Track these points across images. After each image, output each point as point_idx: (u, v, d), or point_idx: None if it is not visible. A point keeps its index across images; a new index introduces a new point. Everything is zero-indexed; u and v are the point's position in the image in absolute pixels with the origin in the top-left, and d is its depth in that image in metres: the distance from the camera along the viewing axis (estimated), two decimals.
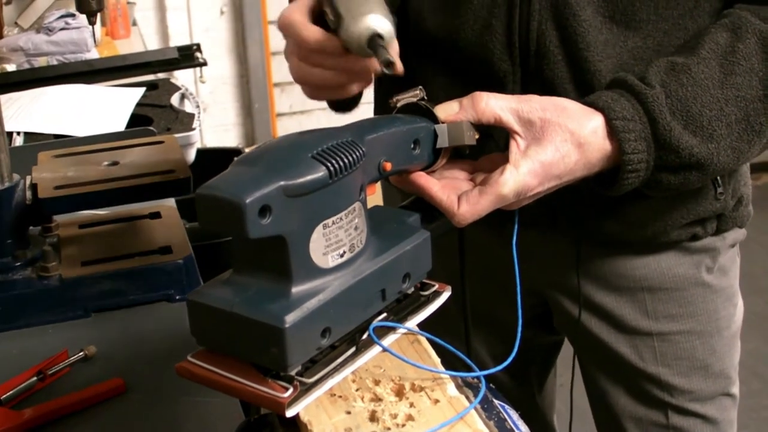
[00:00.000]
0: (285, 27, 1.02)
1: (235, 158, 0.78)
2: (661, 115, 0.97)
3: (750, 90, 1.00)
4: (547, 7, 1.08)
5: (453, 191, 0.94)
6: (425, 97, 0.95)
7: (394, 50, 0.96)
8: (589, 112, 0.97)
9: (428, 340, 0.86)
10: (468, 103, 0.95)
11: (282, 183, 0.71)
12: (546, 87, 1.10)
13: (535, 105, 0.95)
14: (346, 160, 0.75)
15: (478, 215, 0.93)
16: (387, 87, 0.98)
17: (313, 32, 0.99)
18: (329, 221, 0.75)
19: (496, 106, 0.94)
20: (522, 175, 0.92)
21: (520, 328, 0.93)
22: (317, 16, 1.01)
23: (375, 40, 0.93)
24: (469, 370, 0.85)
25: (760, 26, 1.01)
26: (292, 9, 1.03)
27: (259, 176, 0.71)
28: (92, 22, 1.26)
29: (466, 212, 0.92)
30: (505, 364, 0.88)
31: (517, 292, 0.97)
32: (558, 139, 0.94)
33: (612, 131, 0.96)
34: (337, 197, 0.75)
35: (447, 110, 0.95)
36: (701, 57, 1.00)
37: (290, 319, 0.70)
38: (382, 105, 0.97)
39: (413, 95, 0.95)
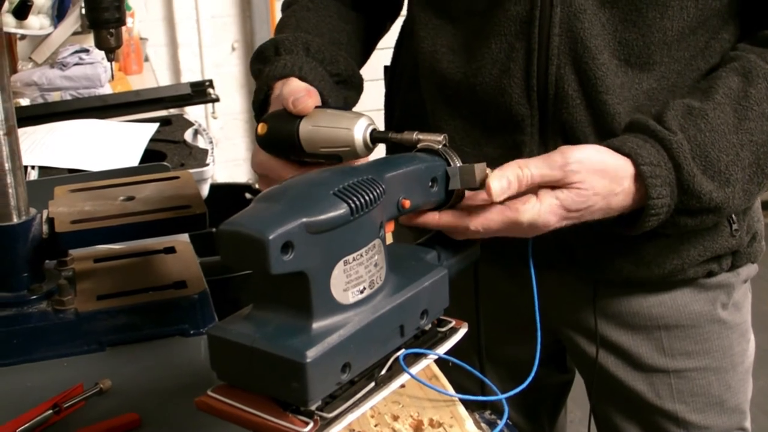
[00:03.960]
0: (264, 169, 1.04)
1: (251, 195, 0.78)
2: (686, 161, 0.99)
3: (761, 135, 1.02)
4: (566, 51, 1.09)
5: (458, 211, 0.95)
6: (447, 144, 0.95)
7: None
8: (621, 161, 0.98)
9: (443, 372, 0.87)
10: (513, 178, 0.94)
11: (304, 220, 0.71)
12: (565, 130, 1.11)
13: (574, 163, 0.95)
14: (367, 198, 0.76)
15: (489, 229, 0.93)
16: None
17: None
18: (350, 258, 0.76)
19: (538, 175, 0.95)
20: (544, 209, 0.93)
21: (539, 348, 0.93)
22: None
23: (375, 133, 0.96)
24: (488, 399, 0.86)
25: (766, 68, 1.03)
26: (263, 155, 1.04)
27: (281, 213, 0.72)
28: (111, 59, 1.26)
29: (478, 223, 0.93)
30: (528, 381, 0.89)
31: (535, 311, 0.97)
32: (590, 193, 0.95)
33: (638, 176, 0.98)
34: (358, 234, 0.76)
35: (497, 187, 0.93)
36: (717, 102, 1.02)
37: (311, 354, 0.70)
38: (396, 146, 0.98)
39: (436, 141, 0.95)
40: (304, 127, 0.97)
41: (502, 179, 0.93)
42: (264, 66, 1.13)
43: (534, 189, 0.95)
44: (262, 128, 1.02)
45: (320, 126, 0.96)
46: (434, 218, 0.94)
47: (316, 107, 0.99)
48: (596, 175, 0.95)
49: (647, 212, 0.99)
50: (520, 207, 0.93)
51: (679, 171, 0.99)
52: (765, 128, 1.02)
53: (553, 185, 0.95)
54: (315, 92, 1.02)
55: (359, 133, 0.94)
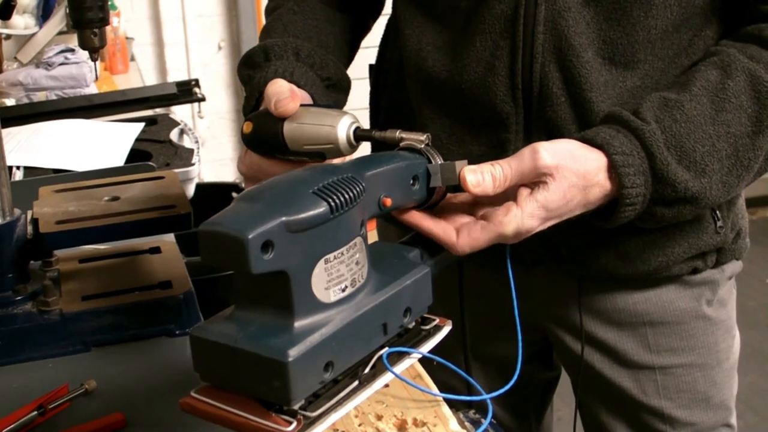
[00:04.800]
0: (252, 170, 1.04)
1: (235, 193, 0.78)
2: (658, 150, 0.99)
3: (739, 126, 1.02)
4: (550, 49, 1.09)
5: (449, 225, 0.95)
6: (429, 144, 0.95)
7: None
8: (593, 153, 0.98)
9: (428, 370, 0.87)
10: (487, 177, 0.94)
11: (284, 219, 0.72)
12: (549, 128, 1.11)
13: (547, 157, 0.95)
14: (346, 196, 0.76)
15: (476, 248, 0.94)
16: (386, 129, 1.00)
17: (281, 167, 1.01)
18: (331, 256, 0.76)
19: (513, 175, 0.95)
20: (526, 216, 0.94)
21: (520, 346, 0.94)
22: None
23: (359, 131, 0.96)
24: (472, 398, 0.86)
25: (748, 64, 1.03)
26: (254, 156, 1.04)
27: (261, 212, 0.72)
28: (94, 59, 1.26)
29: (465, 245, 0.93)
30: (511, 382, 0.89)
31: (515, 315, 0.98)
32: (566, 185, 0.95)
33: (611, 166, 0.98)
34: (338, 232, 0.76)
35: (471, 181, 0.94)
36: (693, 94, 1.02)
37: (293, 353, 0.70)
38: (379, 143, 0.98)
39: (418, 141, 0.95)
40: (289, 125, 0.97)
41: (476, 172, 0.93)
42: (254, 72, 1.12)
43: (513, 194, 0.96)
44: (247, 127, 1.02)
45: (304, 123, 0.96)
46: (426, 225, 0.95)
47: (301, 105, 0.99)
48: (569, 167, 0.96)
49: (622, 202, 0.99)
50: (503, 219, 0.94)
51: (652, 160, 0.99)
52: (743, 120, 1.02)
53: (529, 183, 0.95)
54: (299, 94, 1.02)
55: (343, 130, 0.95)
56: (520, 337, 0.97)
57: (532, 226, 0.95)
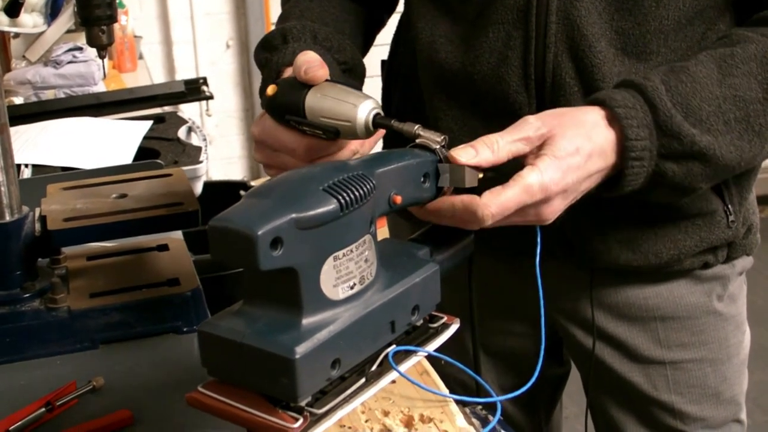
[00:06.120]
0: (263, 134, 1.02)
1: (243, 191, 0.78)
2: (661, 102, 0.97)
3: (749, 92, 1.00)
4: (563, 39, 1.09)
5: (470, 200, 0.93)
6: (445, 146, 0.93)
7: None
8: (588, 108, 0.97)
9: (436, 370, 0.87)
10: (481, 147, 0.92)
11: (293, 215, 0.71)
12: None
13: (536, 123, 0.93)
14: (356, 193, 0.76)
15: (502, 208, 0.89)
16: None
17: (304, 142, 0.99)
18: (340, 253, 0.75)
19: (506, 142, 0.93)
20: (544, 167, 0.90)
21: (543, 345, 0.93)
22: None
23: (378, 118, 0.95)
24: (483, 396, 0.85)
25: (758, 37, 1.03)
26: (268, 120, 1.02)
27: (270, 208, 0.71)
28: (102, 56, 1.27)
29: (489, 201, 0.88)
30: (527, 387, 0.88)
31: (540, 306, 0.97)
32: (569, 134, 0.93)
33: (614, 119, 0.96)
34: (348, 230, 0.76)
35: (465, 155, 0.92)
36: (699, 59, 1.02)
37: (301, 350, 0.70)
38: (392, 139, 0.97)
39: (434, 141, 0.93)
40: (312, 94, 0.97)
41: (467, 147, 0.91)
42: (272, 54, 1.13)
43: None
44: (272, 89, 1.01)
45: (328, 96, 0.96)
46: (446, 200, 0.91)
47: (329, 80, 0.98)
48: (563, 118, 0.94)
49: (627, 156, 0.96)
50: (521, 173, 0.90)
51: (655, 112, 0.97)
52: (753, 86, 1.01)
53: (533, 149, 0.93)
54: (327, 66, 1.02)
55: (363, 112, 0.94)
56: (543, 337, 0.95)
57: (554, 176, 0.91)
